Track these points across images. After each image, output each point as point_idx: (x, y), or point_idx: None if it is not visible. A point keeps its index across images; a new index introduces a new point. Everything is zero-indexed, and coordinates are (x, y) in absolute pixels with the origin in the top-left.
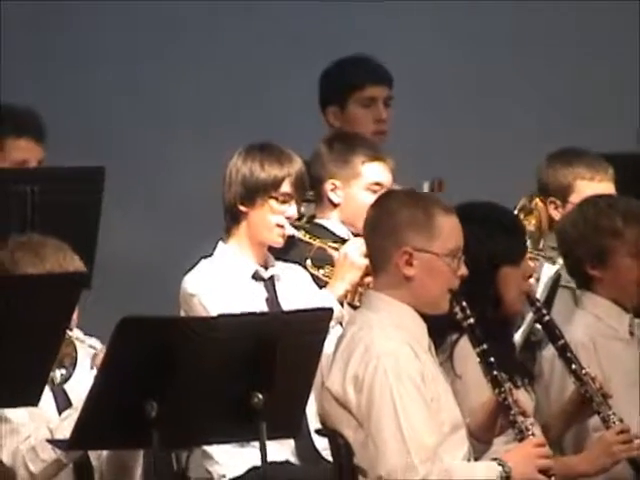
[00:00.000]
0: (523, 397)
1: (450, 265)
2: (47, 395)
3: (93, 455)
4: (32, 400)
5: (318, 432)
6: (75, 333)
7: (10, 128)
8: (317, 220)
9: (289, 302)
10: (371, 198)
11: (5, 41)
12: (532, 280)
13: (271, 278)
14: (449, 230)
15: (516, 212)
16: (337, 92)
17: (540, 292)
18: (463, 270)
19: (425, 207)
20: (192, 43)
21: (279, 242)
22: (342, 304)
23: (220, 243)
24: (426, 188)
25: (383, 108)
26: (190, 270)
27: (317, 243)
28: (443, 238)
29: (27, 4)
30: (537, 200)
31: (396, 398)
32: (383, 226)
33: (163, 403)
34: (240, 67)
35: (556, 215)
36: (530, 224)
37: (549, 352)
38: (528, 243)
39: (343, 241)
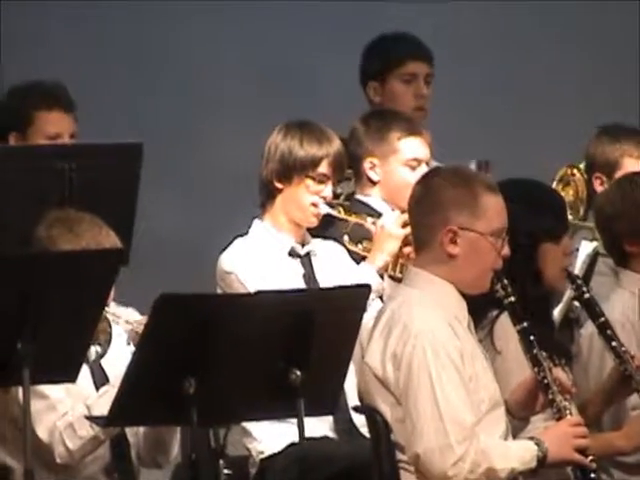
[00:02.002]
0: (562, 376)
1: (494, 245)
2: (84, 371)
3: (130, 431)
4: (70, 376)
5: (356, 409)
6: (111, 307)
7: (40, 101)
8: (357, 197)
9: (326, 278)
10: (410, 174)
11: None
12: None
13: (307, 255)
14: (494, 210)
15: (555, 182)
16: (378, 67)
17: (578, 269)
18: (506, 250)
19: (471, 186)
20: (230, 22)
21: (312, 222)
22: (382, 276)
23: (255, 221)
24: (473, 167)
25: (423, 84)
26: (226, 248)
27: (353, 219)
28: (488, 217)
29: None
30: (576, 170)
31: (434, 377)
32: (428, 203)
33: (201, 380)
34: (276, 44)
35: (600, 190)
36: (568, 194)
37: (587, 330)
38: (569, 216)
39: (380, 216)
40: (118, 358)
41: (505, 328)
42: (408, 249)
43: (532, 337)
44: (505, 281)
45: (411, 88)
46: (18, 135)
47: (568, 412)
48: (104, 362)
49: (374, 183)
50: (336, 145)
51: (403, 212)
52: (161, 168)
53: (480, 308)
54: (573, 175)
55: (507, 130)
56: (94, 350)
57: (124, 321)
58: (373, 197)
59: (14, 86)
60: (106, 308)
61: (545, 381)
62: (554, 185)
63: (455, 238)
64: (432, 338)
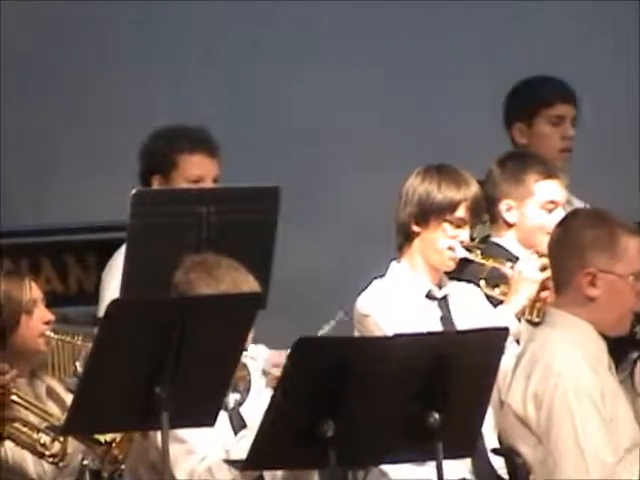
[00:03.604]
0: None
1: (634, 287)
2: (223, 418)
3: (268, 475)
4: (209, 421)
5: (495, 451)
6: (250, 350)
7: (183, 145)
8: (493, 239)
9: (463, 321)
10: (546, 217)
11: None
12: None
13: (445, 297)
14: (634, 251)
15: None
16: (526, 109)
17: None
18: None
19: (610, 228)
20: (357, 62)
21: (449, 266)
22: (519, 320)
23: (393, 263)
24: None
25: (570, 126)
26: (364, 291)
27: (490, 263)
28: (627, 259)
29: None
30: None
31: (576, 416)
32: (567, 245)
33: (340, 422)
34: (408, 84)
35: None
36: None
37: None
38: None
39: (517, 260)
40: (256, 403)
41: None
42: (546, 293)
43: None
44: None
45: (558, 130)
46: (161, 178)
47: None
48: (242, 407)
49: (510, 226)
50: (474, 189)
51: (540, 256)
52: (299, 210)
53: (620, 349)
54: None
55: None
56: (233, 398)
57: (263, 365)
58: (508, 239)
59: (158, 130)
60: (245, 352)
61: None
62: None
63: (594, 281)
64: (573, 377)
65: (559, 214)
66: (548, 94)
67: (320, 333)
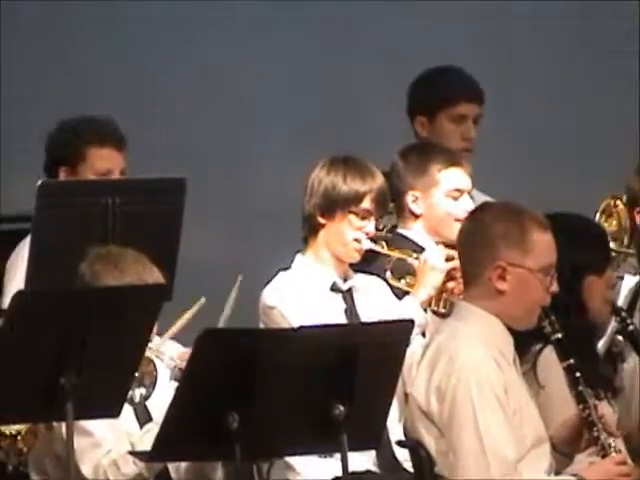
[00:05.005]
0: (607, 411)
1: (543, 281)
2: (128, 411)
3: (171, 468)
4: (114, 412)
5: (399, 443)
6: (155, 342)
7: (92, 138)
8: (400, 231)
9: (368, 314)
10: (452, 205)
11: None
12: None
13: (349, 290)
14: (544, 246)
15: (598, 214)
16: (428, 103)
17: (621, 302)
18: (555, 287)
19: (521, 222)
20: (276, 55)
21: (354, 257)
22: (425, 310)
23: (298, 255)
24: None
25: (472, 126)
26: (268, 283)
27: (396, 254)
28: (537, 254)
29: None
30: (619, 201)
31: (478, 411)
32: (477, 239)
33: (244, 414)
34: (322, 77)
35: None
36: (612, 225)
37: (630, 364)
38: (612, 245)
39: (423, 250)
40: (162, 395)
41: (549, 362)
42: (452, 284)
43: (578, 374)
44: (553, 317)
45: (459, 128)
46: (68, 170)
47: (613, 450)
48: (148, 401)
49: (416, 217)
50: (379, 181)
51: (447, 245)
52: (204, 202)
53: (523, 342)
54: (616, 206)
55: (552, 162)
56: (138, 392)
57: (168, 357)
58: (415, 231)
59: (65, 120)
60: (150, 344)
61: (590, 418)
62: (597, 216)
63: (504, 274)
64: (476, 372)
65: (465, 201)
66: (452, 91)
67: (227, 305)
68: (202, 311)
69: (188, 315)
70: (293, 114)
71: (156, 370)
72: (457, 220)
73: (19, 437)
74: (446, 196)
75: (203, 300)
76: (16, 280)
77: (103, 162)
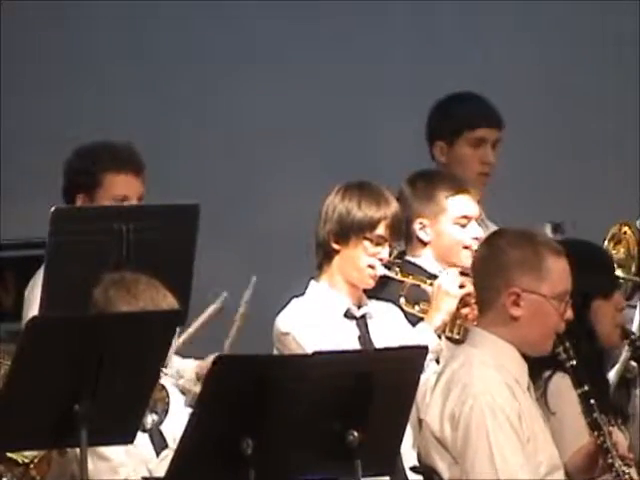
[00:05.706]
0: (621, 438)
1: (557, 308)
2: (144, 437)
3: None
4: (128, 438)
5: (413, 470)
6: (170, 368)
7: (108, 164)
8: (408, 258)
9: (382, 340)
10: (460, 232)
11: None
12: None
13: (363, 316)
14: (558, 273)
15: (606, 241)
16: (447, 128)
17: (635, 328)
18: (569, 314)
19: (535, 248)
20: (290, 84)
21: (369, 284)
22: (440, 336)
23: (312, 282)
24: (548, 230)
25: (491, 151)
26: (282, 309)
27: (410, 280)
28: (552, 280)
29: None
30: (626, 228)
31: (492, 438)
32: (492, 265)
33: (259, 440)
34: (337, 104)
35: None
36: (620, 252)
37: None
38: (619, 272)
39: (436, 277)
40: (177, 421)
41: (560, 388)
42: (466, 310)
43: (592, 401)
44: (567, 344)
45: (478, 153)
46: (85, 196)
47: (628, 477)
48: (163, 426)
49: (425, 244)
50: (394, 207)
51: (461, 272)
52: (220, 229)
53: (533, 368)
54: (624, 233)
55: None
56: (150, 419)
57: (181, 385)
58: (424, 258)
59: (83, 146)
60: (165, 370)
61: (605, 445)
62: (606, 243)
63: (518, 300)
64: (490, 399)
65: (473, 228)
66: (471, 116)
67: (243, 301)
68: (216, 340)
69: (210, 311)
70: (311, 142)
71: (168, 397)
72: (465, 247)
73: (32, 465)
74: (454, 223)
75: (225, 294)
76: (34, 307)
77: (119, 188)
